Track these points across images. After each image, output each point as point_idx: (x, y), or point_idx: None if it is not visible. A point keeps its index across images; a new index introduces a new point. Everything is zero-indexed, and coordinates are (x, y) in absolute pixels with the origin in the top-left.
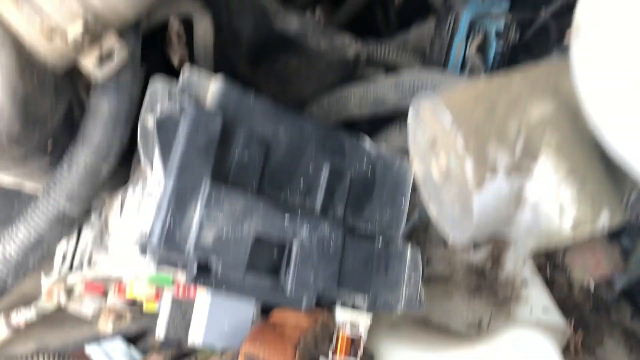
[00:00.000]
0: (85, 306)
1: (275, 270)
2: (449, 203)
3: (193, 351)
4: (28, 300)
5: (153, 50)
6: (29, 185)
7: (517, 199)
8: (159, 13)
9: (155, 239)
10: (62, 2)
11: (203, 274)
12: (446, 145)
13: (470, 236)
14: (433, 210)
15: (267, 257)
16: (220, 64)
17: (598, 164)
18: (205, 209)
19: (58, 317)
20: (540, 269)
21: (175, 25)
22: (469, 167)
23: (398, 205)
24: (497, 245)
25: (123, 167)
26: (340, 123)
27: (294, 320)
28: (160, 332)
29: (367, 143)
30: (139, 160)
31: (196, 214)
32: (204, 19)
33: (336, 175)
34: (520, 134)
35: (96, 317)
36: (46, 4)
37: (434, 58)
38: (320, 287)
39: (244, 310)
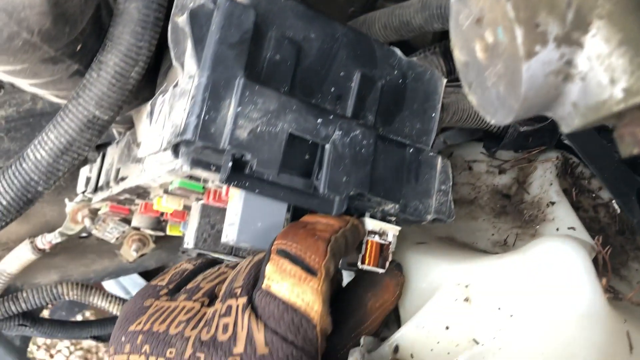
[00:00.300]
0: (109, 232)
1: (307, 173)
2: (493, 84)
3: (221, 260)
4: (52, 228)
5: None
6: (55, 97)
7: (566, 70)
8: None
9: (189, 133)
10: None
11: (237, 173)
12: (494, 19)
13: (515, 115)
14: (474, 98)
15: (300, 159)
16: None
17: None
18: (240, 105)
19: (80, 248)
20: (566, 192)
21: None
22: (518, 37)
23: (428, 116)
24: (522, 170)
25: (149, 83)
26: None
27: (324, 220)
28: (189, 239)
29: (398, 52)
30: (165, 73)
31: (230, 109)
32: None
33: (367, 82)
34: (572, 4)
35: (119, 244)
36: None
37: None
38: (352, 191)
39: (277, 212)
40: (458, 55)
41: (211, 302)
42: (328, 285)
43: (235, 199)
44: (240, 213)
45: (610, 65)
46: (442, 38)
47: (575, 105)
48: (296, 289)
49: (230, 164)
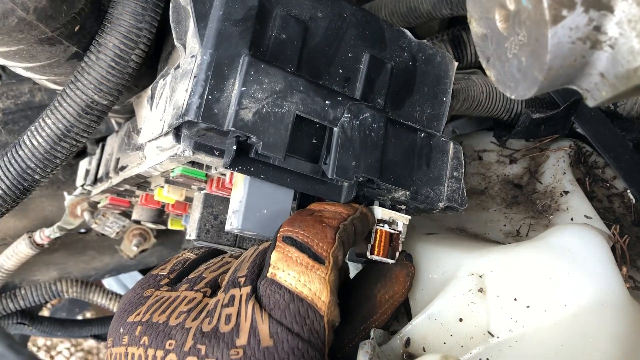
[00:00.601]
0: (109, 227)
1: (314, 158)
2: (514, 55)
3: (224, 251)
4: (51, 223)
5: None
6: (52, 84)
7: (594, 37)
8: None
9: (192, 114)
10: None
11: (241, 157)
12: None
13: (539, 87)
14: (493, 73)
15: (307, 143)
16: None
17: None
18: (244, 84)
19: (79, 245)
20: (580, 181)
21: None
22: (545, 0)
23: (439, 101)
24: (534, 159)
25: (149, 70)
26: None
27: (332, 208)
28: (191, 231)
29: (408, 33)
30: (166, 59)
31: (235, 88)
32: None
33: (376, 64)
34: None
35: (120, 240)
36: None
37: None
38: (362, 177)
39: (282, 198)
40: (475, 28)
41: (214, 293)
42: (336, 274)
43: (240, 185)
44: (245, 199)
45: None
46: (449, 26)
47: (603, 75)
48: (303, 278)
49: (234, 147)
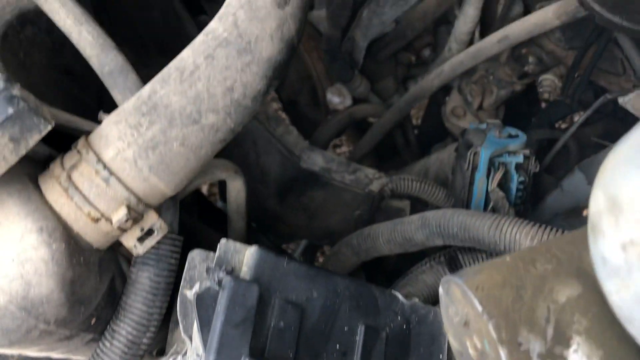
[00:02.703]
0: None
1: None
2: None
3: None
4: None
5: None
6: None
7: None
8: (195, 183)
9: None
10: (107, 190)
11: None
12: (479, 330)
13: None
14: None
15: None
16: (249, 200)
17: (633, 349)
18: None
19: None
20: None
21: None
22: (503, 356)
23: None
24: None
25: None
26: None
27: None
28: None
29: (400, 297)
30: (173, 331)
31: None
32: (237, 181)
33: (371, 334)
34: (550, 319)
35: None
36: (93, 193)
37: (457, 193)
38: None
39: None
40: (452, 341)
41: None
42: None
43: None
44: None
45: None
46: (444, 246)
47: None
48: None
49: None
